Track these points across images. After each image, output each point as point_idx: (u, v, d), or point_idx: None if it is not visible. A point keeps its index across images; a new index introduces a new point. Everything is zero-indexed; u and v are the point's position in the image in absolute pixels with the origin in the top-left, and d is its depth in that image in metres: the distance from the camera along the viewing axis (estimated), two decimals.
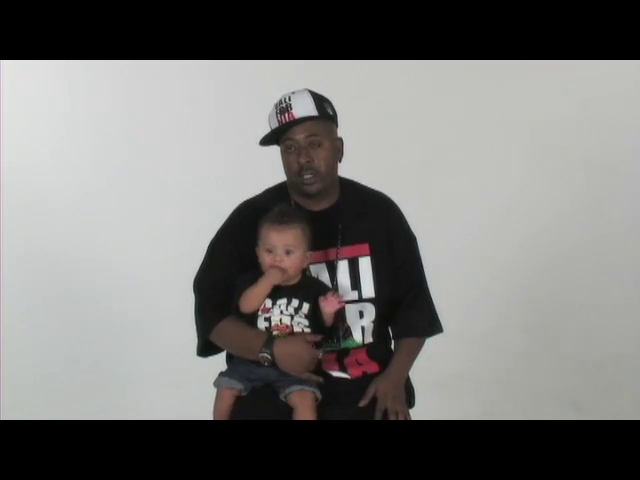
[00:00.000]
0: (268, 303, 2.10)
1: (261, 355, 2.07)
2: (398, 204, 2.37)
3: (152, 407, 3.43)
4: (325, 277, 2.21)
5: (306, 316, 2.10)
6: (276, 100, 2.19)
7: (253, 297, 2.10)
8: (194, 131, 3.97)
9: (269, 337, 2.08)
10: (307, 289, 2.13)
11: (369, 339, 2.24)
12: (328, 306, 2.10)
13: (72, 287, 3.99)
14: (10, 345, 3.81)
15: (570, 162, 4.05)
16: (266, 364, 2.08)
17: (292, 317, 2.10)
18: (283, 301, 2.10)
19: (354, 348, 2.23)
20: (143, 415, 2.98)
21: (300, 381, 2.09)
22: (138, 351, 3.89)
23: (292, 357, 2.06)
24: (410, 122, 4.03)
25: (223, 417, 2.13)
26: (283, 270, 2.08)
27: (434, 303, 2.36)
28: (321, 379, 2.11)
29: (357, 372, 2.22)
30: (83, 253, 3.98)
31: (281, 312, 2.10)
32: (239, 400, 2.13)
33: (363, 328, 2.23)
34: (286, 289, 2.11)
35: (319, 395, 2.10)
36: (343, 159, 2.27)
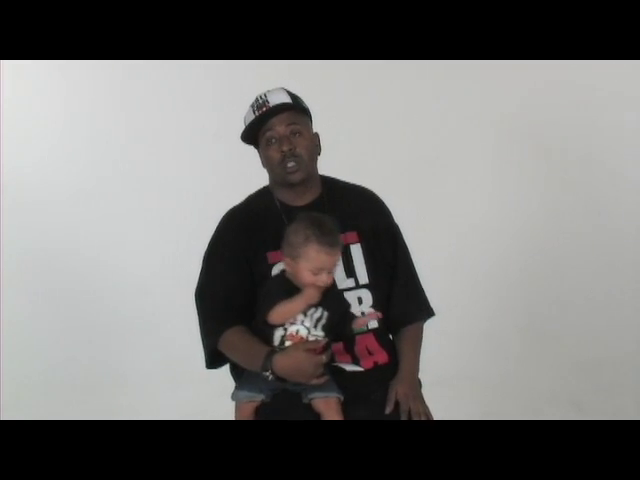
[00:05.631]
0: (298, 315, 2.08)
1: (263, 374, 2.07)
2: (395, 203, 2.39)
3: (152, 407, 3.43)
4: None
5: (323, 327, 2.09)
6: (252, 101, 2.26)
7: (286, 313, 2.06)
8: (193, 129, 3.98)
9: (268, 354, 2.07)
10: (331, 299, 2.11)
11: (374, 324, 2.25)
12: (358, 324, 2.14)
13: (72, 287, 3.99)
14: (10, 345, 3.81)
15: (569, 162, 4.05)
16: (269, 379, 2.07)
17: (309, 331, 2.08)
18: (311, 311, 2.08)
19: (360, 334, 2.23)
20: (143, 415, 2.98)
21: (321, 387, 2.08)
22: (138, 350, 3.89)
23: (294, 370, 2.05)
24: (409, 122, 4.03)
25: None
26: (321, 289, 2.07)
27: (423, 289, 2.39)
28: (328, 377, 2.10)
29: (369, 363, 2.22)
30: (83, 252, 3.98)
31: (302, 322, 2.08)
32: (262, 407, 2.12)
33: (363, 314, 2.24)
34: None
35: (342, 396, 2.10)
36: (337, 158, 2.30)
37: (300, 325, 2.08)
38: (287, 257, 2.07)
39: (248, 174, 2.37)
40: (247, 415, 2.13)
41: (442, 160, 4.04)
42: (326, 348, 2.10)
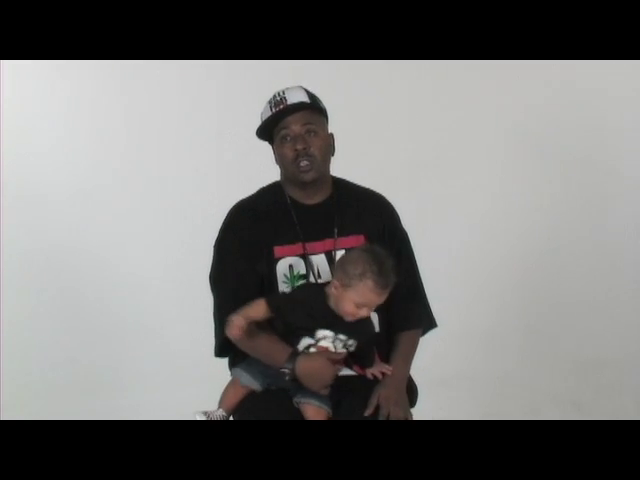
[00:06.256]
0: (329, 334, 2.08)
1: (282, 370, 2.08)
2: (397, 203, 2.40)
3: (152, 407, 3.43)
4: (325, 268, 2.23)
5: (348, 350, 2.11)
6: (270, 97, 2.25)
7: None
8: (193, 128, 3.97)
9: (293, 353, 2.08)
10: (362, 328, 2.11)
11: (375, 329, 2.25)
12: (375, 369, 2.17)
13: (73, 287, 3.98)
14: (10, 345, 3.81)
15: (570, 162, 4.05)
16: (287, 378, 2.08)
17: (336, 349, 2.10)
18: (343, 337, 2.09)
19: None
20: (143, 415, 2.98)
21: (318, 396, 2.09)
22: (138, 351, 3.89)
23: (313, 375, 2.07)
24: (409, 122, 4.03)
25: (230, 407, 2.15)
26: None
27: (428, 300, 2.39)
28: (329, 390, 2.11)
29: (362, 369, 2.22)
30: (84, 252, 3.97)
31: (332, 342, 2.09)
32: (251, 395, 2.14)
33: (370, 319, 2.23)
34: (349, 326, 2.08)
35: (331, 413, 2.10)
36: (340, 158, 2.30)
37: (330, 343, 2.09)
38: (337, 281, 2.06)
39: (250, 173, 2.37)
40: (238, 394, 2.15)
41: (443, 160, 4.04)
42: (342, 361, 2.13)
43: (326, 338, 2.08)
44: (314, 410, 2.08)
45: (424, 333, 2.38)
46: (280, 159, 2.26)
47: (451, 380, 3.61)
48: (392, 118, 4.01)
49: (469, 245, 4.04)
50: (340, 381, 2.15)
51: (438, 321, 2.40)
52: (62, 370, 3.79)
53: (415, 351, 2.32)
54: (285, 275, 2.23)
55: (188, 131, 3.97)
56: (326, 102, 2.30)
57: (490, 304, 3.98)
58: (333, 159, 2.31)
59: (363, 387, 2.17)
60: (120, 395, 3.63)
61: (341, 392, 2.14)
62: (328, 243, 2.25)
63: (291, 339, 2.11)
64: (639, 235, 4.01)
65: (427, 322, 2.38)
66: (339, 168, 2.34)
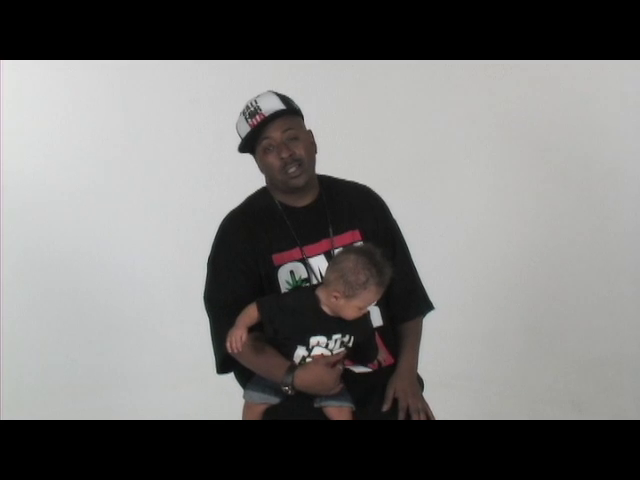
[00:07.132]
0: (322, 340, 2.07)
1: (283, 388, 2.08)
2: (397, 204, 2.40)
3: (152, 407, 3.43)
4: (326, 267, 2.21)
5: (346, 347, 2.10)
6: (242, 108, 2.24)
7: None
8: (193, 129, 3.97)
9: (289, 369, 2.07)
10: (359, 325, 2.09)
11: (379, 322, 2.26)
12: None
13: (72, 287, 3.98)
14: (10, 345, 3.81)
15: (569, 162, 4.05)
16: (289, 394, 2.07)
17: (332, 352, 2.09)
18: (338, 336, 2.08)
19: None
20: (143, 415, 2.98)
21: (336, 396, 2.08)
22: (138, 351, 3.89)
23: (315, 385, 2.07)
24: (409, 122, 4.03)
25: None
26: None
27: (422, 284, 2.41)
28: (343, 386, 2.11)
29: (374, 364, 2.23)
30: (84, 253, 3.98)
31: (326, 346, 2.07)
32: (271, 408, 2.13)
33: (368, 311, 2.23)
34: (344, 324, 2.07)
35: (354, 407, 2.11)
36: (338, 158, 2.29)
37: (324, 349, 2.08)
38: (337, 292, 2.02)
39: (249, 173, 2.37)
40: (257, 415, 2.13)
41: (444, 159, 4.04)
42: (343, 358, 2.13)
43: (319, 344, 2.07)
44: (336, 410, 2.08)
45: (422, 314, 2.39)
46: (266, 168, 2.24)
47: (452, 380, 3.60)
48: (389, 118, 4.00)
49: (469, 245, 4.03)
50: (362, 378, 2.16)
51: (439, 321, 2.42)
52: (62, 370, 3.79)
53: (420, 337, 2.35)
54: (287, 282, 2.21)
55: (188, 131, 3.97)
56: (324, 102, 2.29)
57: (491, 305, 3.97)
58: (331, 160, 2.31)
59: (380, 387, 2.19)
60: (120, 395, 3.63)
61: (366, 390, 2.15)
62: (325, 243, 2.25)
63: (284, 348, 2.09)
64: (639, 235, 4.01)
65: (425, 307, 2.40)
66: (338, 168, 2.34)
